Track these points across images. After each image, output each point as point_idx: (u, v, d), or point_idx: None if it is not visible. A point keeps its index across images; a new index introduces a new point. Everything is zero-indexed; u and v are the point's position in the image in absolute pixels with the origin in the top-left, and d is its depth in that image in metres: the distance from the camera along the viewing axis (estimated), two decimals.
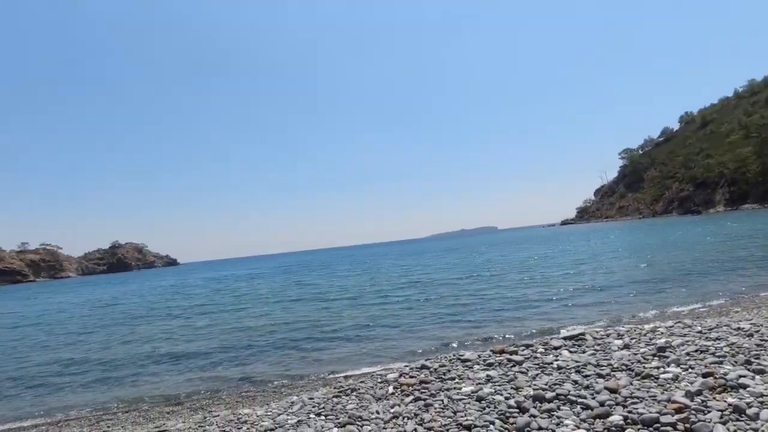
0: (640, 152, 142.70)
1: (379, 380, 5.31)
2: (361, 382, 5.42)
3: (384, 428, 3.91)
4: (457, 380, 4.82)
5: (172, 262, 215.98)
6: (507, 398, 4.08)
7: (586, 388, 4.02)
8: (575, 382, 4.19)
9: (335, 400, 4.87)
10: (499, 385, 4.45)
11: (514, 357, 5.26)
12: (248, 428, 4.62)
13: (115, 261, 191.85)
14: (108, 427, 6.69)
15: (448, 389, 4.58)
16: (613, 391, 3.84)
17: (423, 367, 5.50)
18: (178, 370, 9.96)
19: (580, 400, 3.77)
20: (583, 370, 4.49)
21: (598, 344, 5.37)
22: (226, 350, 11.43)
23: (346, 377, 7.58)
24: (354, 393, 4.99)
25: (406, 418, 4.03)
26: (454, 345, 9.55)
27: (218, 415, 5.67)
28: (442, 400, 4.30)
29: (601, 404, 3.63)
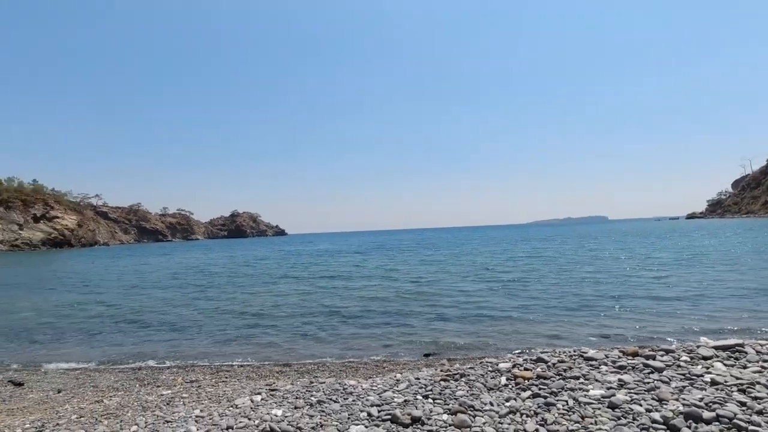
0: None
1: (490, 368, 4.96)
2: (470, 368, 5.11)
3: (500, 423, 3.57)
4: (582, 380, 4.29)
5: (280, 232, 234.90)
6: (649, 410, 3.49)
7: (760, 413, 3.27)
8: (742, 403, 3.44)
9: (443, 383, 4.64)
10: (636, 393, 3.85)
11: (651, 362, 4.55)
12: (354, 399, 4.60)
13: (234, 228, 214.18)
14: (226, 377, 7.30)
15: (572, 389, 4.09)
16: None
17: (539, 360, 5.03)
18: (285, 333, 10.59)
19: (751, 428, 3.07)
20: (750, 390, 3.68)
21: (766, 360, 4.42)
22: (328, 319, 11.89)
23: (450, 360, 7.33)
24: (463, 379, 4.71)
25: (525, 416, 3.66)
26: (562, 340, 8.78)
27: (324, 382, 5.80)
28: (566, 401, 3.84)
29: None
